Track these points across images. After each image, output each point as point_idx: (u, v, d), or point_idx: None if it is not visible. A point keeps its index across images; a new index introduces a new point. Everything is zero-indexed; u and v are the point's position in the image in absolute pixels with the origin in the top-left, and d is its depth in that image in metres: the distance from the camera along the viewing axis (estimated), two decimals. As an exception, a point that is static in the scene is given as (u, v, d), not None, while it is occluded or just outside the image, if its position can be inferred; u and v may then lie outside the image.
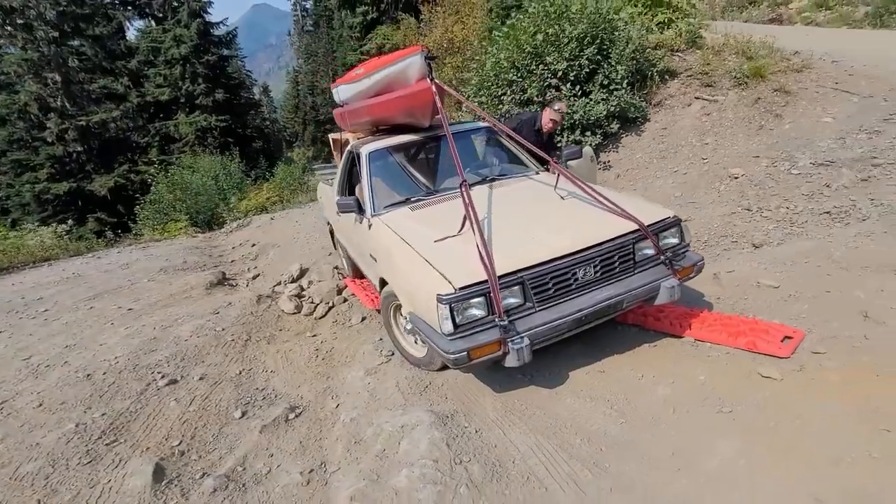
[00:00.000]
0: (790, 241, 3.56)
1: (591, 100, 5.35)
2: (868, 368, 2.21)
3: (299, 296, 5.17)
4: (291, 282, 5.80)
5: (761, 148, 4.75)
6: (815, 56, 6.08)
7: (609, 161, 5.53)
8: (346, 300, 4.98)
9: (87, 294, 5.60)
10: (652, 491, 1.82)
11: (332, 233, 5.67)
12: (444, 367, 2.91)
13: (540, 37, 5.51)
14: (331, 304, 4.90)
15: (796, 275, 3.11)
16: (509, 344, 2.22)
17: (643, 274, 2.58)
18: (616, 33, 5.54)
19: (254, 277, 6.51)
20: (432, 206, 3.23)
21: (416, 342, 3.07)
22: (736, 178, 4.47)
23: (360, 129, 4.50)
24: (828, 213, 3.68)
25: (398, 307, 3.09)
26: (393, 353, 3.34)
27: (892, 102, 4.89)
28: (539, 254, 2.39)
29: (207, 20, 25.08)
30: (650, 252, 2.63)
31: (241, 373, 3.63)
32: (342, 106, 4.54)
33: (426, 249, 2.58)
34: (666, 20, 6.56)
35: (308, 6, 46.33)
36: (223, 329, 4.33)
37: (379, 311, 4.37)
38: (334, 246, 5.82)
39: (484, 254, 2.33)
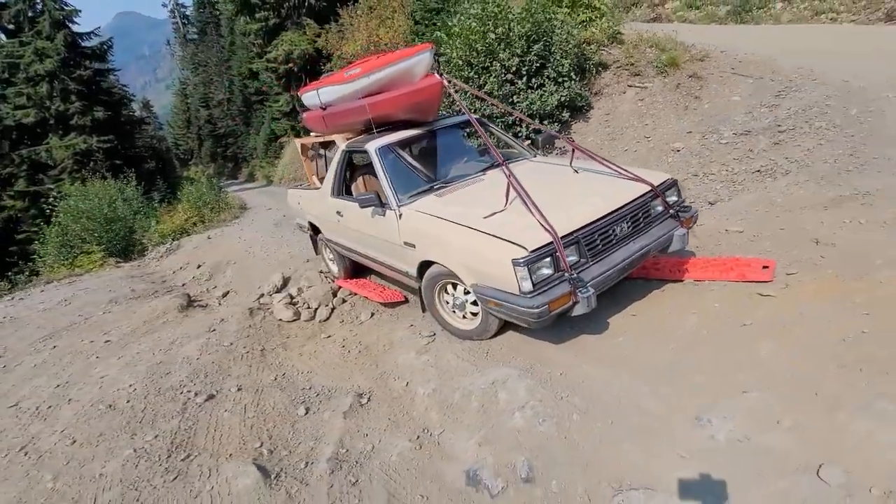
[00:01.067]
0: (737, 196, 4.34)
1: (545, 91, 5.92)
2: (833, 277, 2.89)
3: (292, 303, 5.11)
4: (276, 291, 5.67)
5: (691, 125, 5.63)
6: (705, 47, 7.23)
7: (565, 146, 6.14)
8: (344, 301, 5.02)
9: (39, 335, 5.01)
10: (723, 387, 2.28)
11: (312, 238, 5.64)
12: (499, 334, 3.20)
13: (492, 36, 5.96)
14: (332, 307, 4.92)
15: (753, 220, 3.85)
16: (579, 294, 2.58)
17: (659, 226, 3.09)
18: (555, 31, 6.17)
19: (224, 295, 6.24)
20: (457, 191, 3.48)
21: (463, 317, 3.31)
22: (678, 150, 5.28)
23: (347, 129, 4.58)
24: (758, 171, 4.54)
25: (443, 288, 3.31)
26: (434, 334, 3.55)
27: (777, 82, 6.04)
28: (585, 216, 2.79)
29: (75, 31, 22.35)
30: (660, 208, 3.15)
31: (276, 379, 3.60)
32: (323, 109, 4.57)
33: (481, 225, 2.85)
34: (587, 19, 7.36)
35: (189, 13, 43.06)
36: (231, 343, 4.21)
37: (387, 305, 4.53)
38: (316, 251, 5.78)
39: (543, 220, 2.67)
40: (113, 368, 3.89)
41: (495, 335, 3.19)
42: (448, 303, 3.35)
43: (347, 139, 4.55)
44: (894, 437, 1.76)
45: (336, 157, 4.47)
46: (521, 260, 2.54)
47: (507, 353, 3.02)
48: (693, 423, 2.11)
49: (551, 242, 2.61)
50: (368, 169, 4.77)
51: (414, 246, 3.33)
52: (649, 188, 3.06)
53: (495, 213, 2.94)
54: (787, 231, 3.57)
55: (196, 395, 3.37)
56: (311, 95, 4.71)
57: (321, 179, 5.98)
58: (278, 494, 2.30)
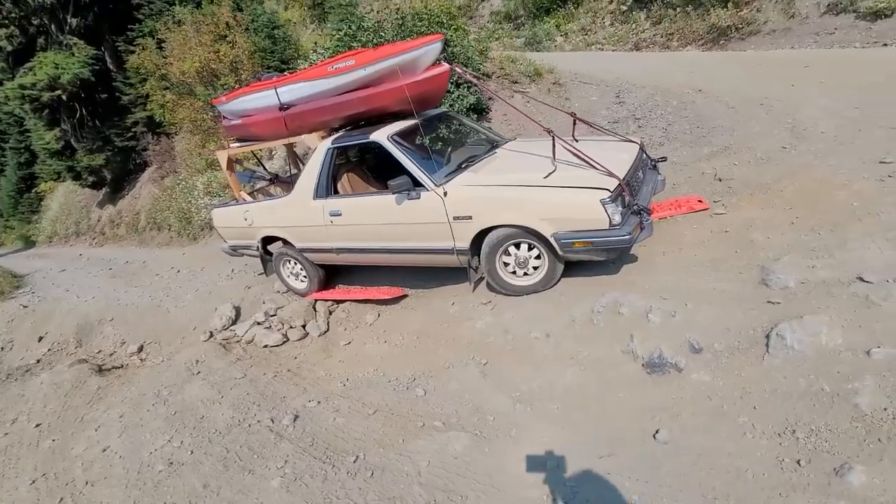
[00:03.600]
0: (639, 163, 5.67)
1: (460, 95, 6.56)
2: (750, 195, 4.21)
3: (270, 327, 4.56)
4: (231, 324, 4.93)
5: (573, 118, 7.00)
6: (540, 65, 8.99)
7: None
8: (330, 312, 4.71)
9: None
10: (760, 260, 3.20)
11: (263, 258, 5.04)
12: (558, 282, 3.63)
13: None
14: (326, 318, 4.58)
15: (665, 174, 5.15)
16: (643, 221, 3.24)
17: (649, 174, 4.00)
18: (450, 43, 6.91)
19: (139, 350, 5.10)
20: (487, 166, 3.82)
21: (525, 274, 3.64)
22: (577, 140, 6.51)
23: (321, 127, 4.37)
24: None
25: (504, 251, 3.57)
26: (490, 301, 3.76)
27: (612, 87, 7.93)
28: (625, 164, 3.48)
29: None
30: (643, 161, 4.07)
31: (344, 385, 3.35)
32: (282, 109, 4.31)
33: (551, 182, 3.29)
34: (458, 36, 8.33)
35: None
36: (244, 375, 3.69)
37: (392, 301, 4.46)
38: (266, 272, 5.17)
39: (604, 169, 3.27)
40: (111, 438, 3.01)
41: (556, 283, 3.62)
42: (508, 264, 3.63)
43: (322, 137, 4.33)
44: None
45: (317, 157, 4.25)
46: (608, 198, 3.09)
47: (581, 292, 3.47)
48: (763, 285, 2.95)
49: (619, 184, 3.22)
50: (350, 167, 4.66)
51: (470, 217, 3.52)
52: (639, 144, 3.96)
53: (550, 173, 3.41)
54: (694, 178, 4.93)
55: (273, 421, 2.93)
56: (263, 97, 4.38)
57: (251, 194, 5.44)
58: (497, 441, 2.31)
